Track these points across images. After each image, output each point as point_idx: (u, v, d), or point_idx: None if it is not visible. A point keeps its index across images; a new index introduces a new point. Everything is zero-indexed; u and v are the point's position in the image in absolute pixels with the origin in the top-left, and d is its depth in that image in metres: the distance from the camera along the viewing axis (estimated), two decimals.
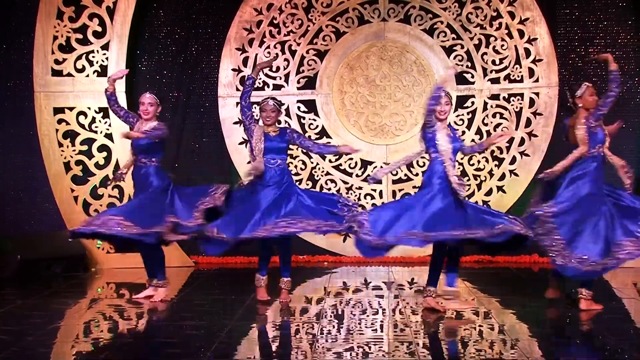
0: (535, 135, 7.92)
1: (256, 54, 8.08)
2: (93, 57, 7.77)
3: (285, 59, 8.09)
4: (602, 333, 4.84)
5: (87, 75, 7.78)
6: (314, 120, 8.13)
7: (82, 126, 7.80)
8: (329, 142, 7.94)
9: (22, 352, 4.32)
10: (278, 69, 8.11)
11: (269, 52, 8.09)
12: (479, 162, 7.96)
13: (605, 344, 4.59)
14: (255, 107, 5.98)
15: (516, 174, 7.95)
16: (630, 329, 5.05)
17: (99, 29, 7.73)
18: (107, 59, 7.76)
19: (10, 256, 7.07)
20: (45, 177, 7.72)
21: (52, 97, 7.76)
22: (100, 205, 7.70)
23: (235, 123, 8.12)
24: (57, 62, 7.74)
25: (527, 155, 7.95)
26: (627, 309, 5.49)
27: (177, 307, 5.71)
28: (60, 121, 7.78)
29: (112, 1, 7.69)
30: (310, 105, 8.14)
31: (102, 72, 7.76)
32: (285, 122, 8.10)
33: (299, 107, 8.12)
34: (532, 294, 6.22)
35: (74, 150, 7.78)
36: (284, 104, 8.00)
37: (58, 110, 7.78)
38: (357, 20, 8.09)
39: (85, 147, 7.77)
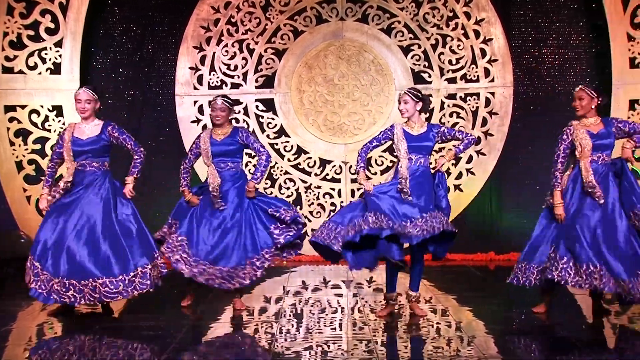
0: (491, 135, 8.04)
1: (214, 53, 8.03)
2: (46, 54, 7.63)
3: (244, 58, 8.06)
4: (556, 328, 4.93)
5: (40, 73, 7.64)
6: (273, 119, 8.11)
7: (35, 125, 7.65)
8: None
9: None
10: (236, 67, 8.07)
11: (226, 51, 8.05)
12: (435, 160, 8.01)
13: (560, 339, 4.68)
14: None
15: (473, 173, 8.05)
16: (582, 324, 5.16)
17: (52, 25, 7.60)
18: (60, 56, 7.64)
19: None
20: None
21: (3, 95, 7.60)
22: None
23: (192, 122, 8.05)
24: (7, 59, 7.58)
25: (483, 154, 8.05)
26: (579, 305, 5.60)
27: (134, 307, 5.63)
28: (11, 119, 7.63)
29: None
30: (269, 104, 8.12)
31: (56, 69, 7.64)
32: (244, 120, 8.08)
33: (257, 106, 8.10)
34: (488, 292, 6.31)
35: (27, 149, 7.63)
36: (235, 103, 7.96)
37: (9, 108, 7.63)
38: (315, 19, 8.10)
39: (38, 146, 7.63)
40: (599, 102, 5.17)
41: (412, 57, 8.06)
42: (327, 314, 5.40)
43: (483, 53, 8.01)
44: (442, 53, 8.02)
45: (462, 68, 8.03)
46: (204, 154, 5.45)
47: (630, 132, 5.15)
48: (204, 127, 8.07)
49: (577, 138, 5.11)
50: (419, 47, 8.05)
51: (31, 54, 7.62)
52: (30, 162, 7.63)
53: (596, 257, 4.88)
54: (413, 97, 5.19)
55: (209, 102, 5.53)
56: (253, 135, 5.60)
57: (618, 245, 4.91)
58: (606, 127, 5.15)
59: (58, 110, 7.66)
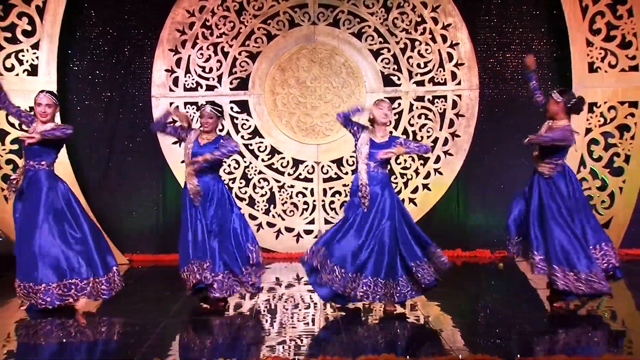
0: (458, 136, 8.11)
1: (189, 55, 7.99)
2: (23, 56, 7.53)
3: (218, 60, 8.03)
4: (519, 321, 5.00)
5: (17, 75, 7.53)
6: (247, 120, 8.09)
7: (12, 125, 7.54)
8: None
9: None
10: (211, 69, 8.04)
11: (201, 54, 8.02)
12: (405, 160, 8.09)
13: (523, 331, 4.75)
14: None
15: (440, 173, 8.11)
16: (544, 317, 5.23)
17: (29, 27, 7.50)
18: (37, 58, 7.54)
19: None
20: None
21: None
22: None
23: (168, 123, 7.96)
24: None
25: (450, 154, 8.12)
26: (541, 299, 5.68)
27: (111, 305, 5.58)
28: None
29: (42, 0, 7.47)
30: (243, 106, 8.10)
31: (33, 71, 7.54)
32: None
33: (232, 108, 8.07)
34: (455, 287, 6.36)
35: (4, 149, 7.52)
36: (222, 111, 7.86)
37: None
38: (287, 23, 8.09)
39: (15, 146, 7.51)
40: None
41: (382, 61, 8.10)
42: (300, 310, 5.41)
43: (450, 57, 8.07)
44: (410, 57, 8.07)
45: (430, 71, 8.09)
46: (186, 152, 5.39)
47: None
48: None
49: None
50: (389, 50, 8.09)
51: (8, 56, 7.51)
52: (8, 162, 7.52)
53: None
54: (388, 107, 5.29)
55: (199, 107, 5.50)
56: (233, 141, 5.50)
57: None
58: None
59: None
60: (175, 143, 7.95)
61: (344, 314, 5.18)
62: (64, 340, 4.64)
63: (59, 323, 5.06)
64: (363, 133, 5.25)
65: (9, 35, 7.48)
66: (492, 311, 5.49)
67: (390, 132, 5.58)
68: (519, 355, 3.84)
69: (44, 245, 5.12)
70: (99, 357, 3.92)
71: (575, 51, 7.76)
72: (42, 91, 5.41)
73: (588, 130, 7.79)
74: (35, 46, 7.53)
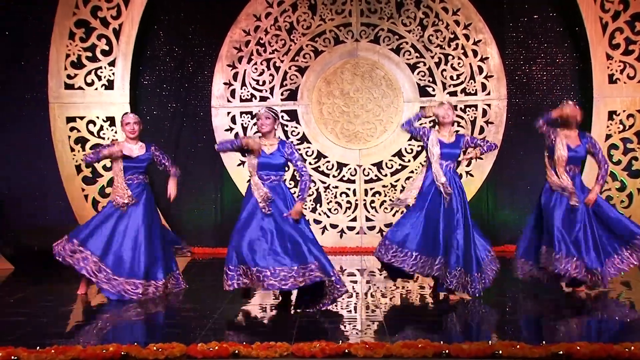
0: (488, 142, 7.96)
1: (245, 70, 8.06)
2: (101, 72, 7.71)
3: (271, 74, 8.08)
4: (543, 310, 4.90)
5: (96, 89, 7.72)
6: (296, 127, 8.12)
7: (92, 133, 7.73)
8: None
9: (35, 331, 4.26)
10: (264, 82, 8.09)
11: (256, 68, 8.07)
12: None
13: (546, 319, 4.65)
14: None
15: (471, 175, 8.01)
16: (565, 306, 5.11)
17: (106, 47, 7.67)
18: (113, 74, 7.71)
19: (27, 247, 7.02)
20: (58, 177, 7.65)
21: (65, 108, 7.68)
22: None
23: (226, 130, 8.08)
24: (69, 76, 7.67)
25: (480, 158, 7.94)
26: (563, 289, 5.55)
27: (175, 293, 5.65)
28: (72, 129, 7.72)
29: (118, 23, 7.64)
30: (293, 115, 8.13)
31: (109, 85, 7.71)
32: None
33: (282, 116, 8.11)
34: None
35: (85, 155, 7.68)
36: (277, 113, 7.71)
37: (70, 119, 7.71)
38: (333, 40, 8.10)
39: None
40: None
41: (418, 73, 8.03)
42: (343, 298, 5.38)
43: (480, 70, 7.96)
44: (444, 70, 7.99)
45: (462, 83, 7.99)
46: (251, 162, 4.88)
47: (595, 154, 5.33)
48: (236, 134, 8.11)
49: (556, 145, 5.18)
50: (424, 64, 8.02)
51: (89, 73, 7.70)
52: (88, 165, 7.70)
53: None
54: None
55: (254, 116, 5.51)
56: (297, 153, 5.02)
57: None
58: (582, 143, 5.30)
59: (111, 120, 7.73)
60: None
61: (382, 302, 5.15)
62: (132, 323, 4.72)
63: (131, 307, 5.15)
64: (431, 135, 5.19)
65: (90, 54, 7.67)
66: (518, 300, 5.38)
67: (457, 131, 5.49)
68: (544, 342, 3.75)
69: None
70: (164, 338, 3.97)
71: (596, 64, 7.57)
72: (126, 113, 5.58)
73: (608, 136, 7.59)
74: (112, 64, 7.70)
